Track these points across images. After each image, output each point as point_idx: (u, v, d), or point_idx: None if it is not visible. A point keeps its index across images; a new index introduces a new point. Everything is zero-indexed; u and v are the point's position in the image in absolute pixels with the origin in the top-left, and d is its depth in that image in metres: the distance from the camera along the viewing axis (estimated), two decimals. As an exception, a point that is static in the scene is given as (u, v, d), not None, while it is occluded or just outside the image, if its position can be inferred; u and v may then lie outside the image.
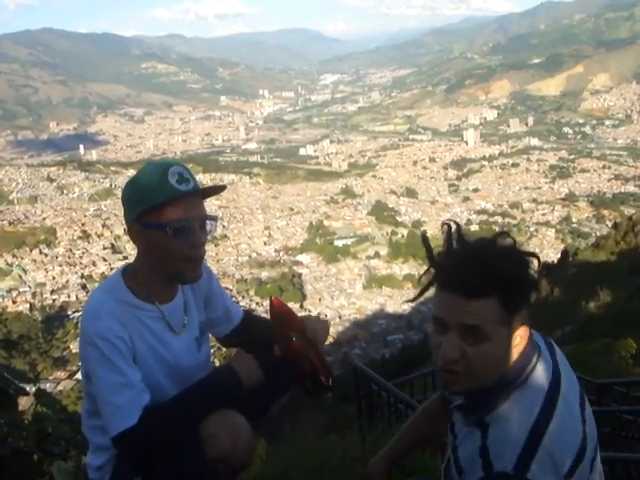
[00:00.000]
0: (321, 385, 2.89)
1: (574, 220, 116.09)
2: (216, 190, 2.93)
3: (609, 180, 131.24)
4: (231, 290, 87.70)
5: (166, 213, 2.68)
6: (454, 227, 2.01)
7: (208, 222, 2.79)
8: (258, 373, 2.88)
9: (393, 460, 2.72)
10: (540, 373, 2.00)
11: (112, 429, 2.59)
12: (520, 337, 1.97)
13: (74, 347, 73.42)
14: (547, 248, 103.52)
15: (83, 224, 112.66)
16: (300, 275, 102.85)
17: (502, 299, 1.87)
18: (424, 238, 2.06)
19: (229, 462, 2.72)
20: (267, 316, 3.51)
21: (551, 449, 1.85)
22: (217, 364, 3.23)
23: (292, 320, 2.96)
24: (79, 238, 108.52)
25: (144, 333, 2.79)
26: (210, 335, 3.24)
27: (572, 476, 1.88)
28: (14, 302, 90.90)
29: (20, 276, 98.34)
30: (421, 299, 2.13)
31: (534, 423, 1.89)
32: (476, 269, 1.87)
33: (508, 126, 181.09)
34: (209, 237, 2.81)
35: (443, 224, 2.04)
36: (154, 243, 2.72)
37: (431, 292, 2.04)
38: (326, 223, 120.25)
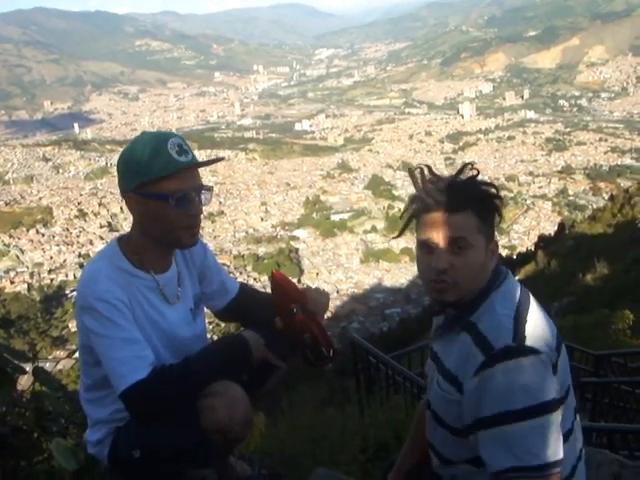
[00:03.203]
0: (322, 356, 2.91)
1: (571, 193, 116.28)
2: (214, 161, 2.97)
3: (605, 153, 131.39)
4: (228, 266, 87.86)
5: (168, 184, 2.69)
6: (426, 168, 2.26)
7: (204, 191, 2.81)
8: (264, 350, 2.89)
9: (406, 473, 2.71)
10: (511, 278, 2.26)
11: (121, 383, 2.58)
12: (493, 248, 2.23)
13: (73, 326, 73.34)
14: (544, 221, 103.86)
15: (79, 203, 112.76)
16: (297, 250, 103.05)
17: (477, 211, 2.15)
18: (410, 171, 2.27)
19: (225, 434, 2.72)
20: (265, 290, 3.52)
21: (536, 326, 2.09)
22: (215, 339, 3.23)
23: (293, 292, 2.97)
24: (76, 217, 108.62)
25: (141, 300, 2.79)
26: (207, 310, 3.25)
27: (558, 357, 2.12)
28: (12, 282, 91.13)
29: (17, 256, 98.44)
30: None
31: (517, 304, 2.14)
32: (454, 189, 2.16)
33: (504, 99, 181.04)
34: (204, 206, 2.82)
35: (416, 167, 2.28)
36: (153, 212, 2.72)
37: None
38: (323, 198, 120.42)
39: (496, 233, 2.22)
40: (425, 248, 2.20)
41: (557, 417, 2.01)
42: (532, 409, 1.94)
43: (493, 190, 2.22)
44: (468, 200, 2.15)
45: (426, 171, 2.26)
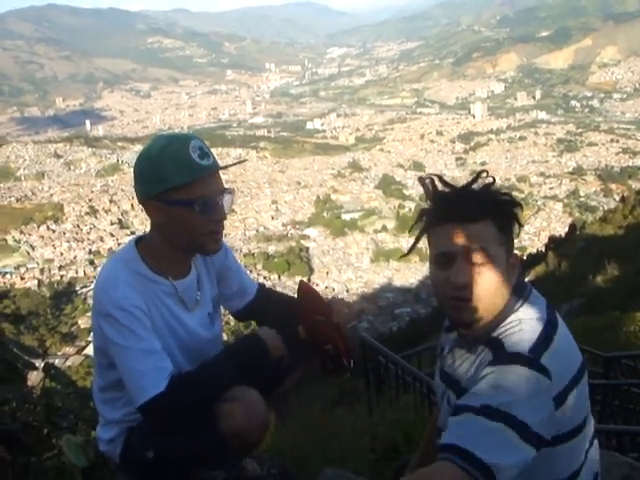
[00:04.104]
0: (342, 366, 2.92)
1: (582, 194, 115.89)
2: (237, 163, 2.93)
3: (617, 154, 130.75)
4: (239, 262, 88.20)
5: (191, 190, 2.62)
6: (437, 177, 2.13)
7: (226, 194, 2.75)
8: (282, 346, 2.87)
9: None
10: (536, 295, 2.15)
11: (139, 397, 2.57)
12: (513, 262, 2.10)
13: (82, 323, 73.83)
14: (555, 222, 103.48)
15: (90, 200, 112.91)
16: (307, 249, 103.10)
17: (496, 221, 2.02)
18: (422, 180, 2.14)
19: (243, 438, 2.72)
20: (280, 291, 3.51)
21: (559, 352, 1.95)
22: (225, 339, 3.22)
23: (319, 303, 2.98)
24: (86, 214, 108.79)
25: (159, 306, 2.76)
26: (222, 310, 3.24)
27: (571, 391, 1.97)
28: (22, 278, 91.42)
29: (28, 252, 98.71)
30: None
31: (545, 323, 2.02)
32: (470, 197, 2.04)
33: (515, 99, 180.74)
34: (228, 210, 2.76)
35: (427, 177, 2.15)
36: (176, 219, 2.66)
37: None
38: (333, 197, 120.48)
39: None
40: (442, 263, 2.06)
41: (526, 448, 1.80)
42: (505, 415, 1.79)
43: (511, 198, 2.10)
44: (486, 209, 2.03)
45: (437, 180, 2.13)
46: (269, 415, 2.86)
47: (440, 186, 2.13)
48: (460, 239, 2.03)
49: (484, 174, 2.13)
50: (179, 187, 2.62)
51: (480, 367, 2.02)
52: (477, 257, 2.02)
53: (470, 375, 2.08)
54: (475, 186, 2.11)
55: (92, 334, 2.84)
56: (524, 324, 2.03)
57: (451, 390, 2.20)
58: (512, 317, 2.06)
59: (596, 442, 2.19)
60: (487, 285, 2.02)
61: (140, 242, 2.84)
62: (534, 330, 2.00)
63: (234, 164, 2.90)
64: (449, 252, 2.04)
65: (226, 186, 2.77)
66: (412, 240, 2.22)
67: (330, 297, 3.17)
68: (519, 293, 2.12)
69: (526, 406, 1.82)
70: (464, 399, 1.91)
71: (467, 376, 2.10)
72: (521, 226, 2.13)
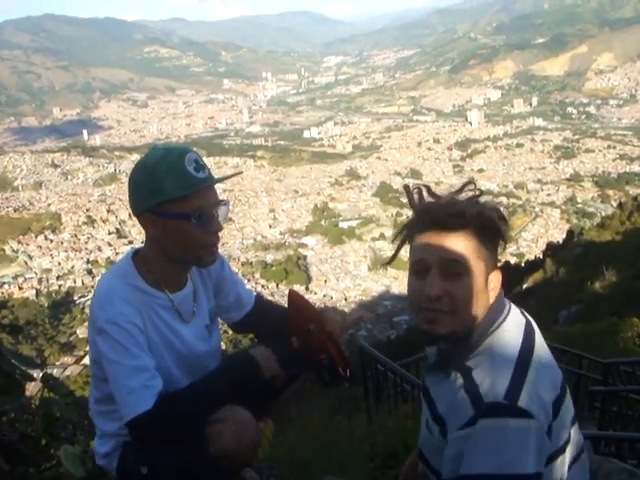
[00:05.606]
0: (338, 376, 2.89)
1: (579, 200, 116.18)
2: (232, 176, 2.95)
3: (614, 160, 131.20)
4: (236, 273, 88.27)
5: (188, 202, 2.61)
6: (424, 188, 2.08)
7: (222, 206, 2.74)
8: (276, 366, 2.83)
9: None
10: (515, 315, 2.06)
11: (126, 413, 2.55)
12: (495, 280, 2.01)
13: (81, 332, 73.71)
14: (552, 228, 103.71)
15: (88, 209, 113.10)
16: (305, 257, 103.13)
17: (477, 233, 1.94)
18: (406, 187, 2.11)
19: (233, 460, 2.69)
20: (274, 300, 3.50)
21: (537, 381, 1.87)
22: (224, 347, 3.19)
23: (310, 312, 2.94)
24: (84, 223, 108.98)
25: (156, 320, 2.74)
26: (220, 321, 3.22)
27: (557, 414, 1.90)
28: (20, 288, 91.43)
29: (26, 262, 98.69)
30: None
31: (518, 355, 1.91)
32: (451, 206, 1.96)
33: (512, 106, 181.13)
34: (223, 221, 2.76)
35: (414, 187, 2.09)
36: (173, 232, 2.65)
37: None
38: (331, 205, 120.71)
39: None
40: (417, 272, 2.00)
41: None
42: (504, 477, 1.74)
43: (496, 212, 2.00)
44: (467, 219, 1.94)
45: (424, 190, 2.07)
46: (260, 434, 2.82)
47: (426, 196, 2.07)
48: (437, 248, 1.96)
49: (471, 185, 2.05)
50: (175, 200, 2.61)
51: (458, 408, 1.91)
52: (453, 268, 1.94)
53: (449, 409, 1.99)
54: (460, 196, 2.03)
55: (88, 346, 2.84)
56: (497, 358, 1.93)
57: (429, 411, 2.14)
58: (485, 345, 1.98)
59: (584, 456, 2.10)
60: (460, 299, 1.94)
61: (137, 255, 2.82)
62: (508, 366, 1.89)
63: (229, 177, 2.90)
64: (424, 260, 1.97)
65: (221, 197, 2.76)
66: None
67: (323, 306, 3.15)
68: (496, 313, 2.03)
69: (525, 459, 1.76)
70: (464, 469, 1.80)
71: (445, 407, 2.02)
72: (505, 242, 2.03)
